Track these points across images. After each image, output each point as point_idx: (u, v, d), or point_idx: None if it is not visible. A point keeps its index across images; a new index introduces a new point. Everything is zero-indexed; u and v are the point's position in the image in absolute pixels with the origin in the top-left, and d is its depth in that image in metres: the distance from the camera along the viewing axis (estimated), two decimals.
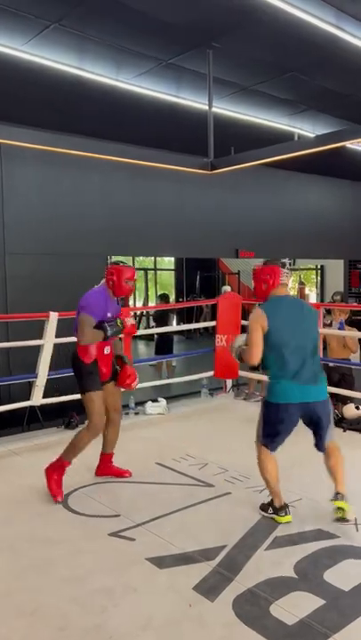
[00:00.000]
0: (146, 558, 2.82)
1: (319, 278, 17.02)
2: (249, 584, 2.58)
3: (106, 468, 3.95)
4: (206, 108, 5.64)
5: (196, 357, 7.32)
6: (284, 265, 3.27)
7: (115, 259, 4.78)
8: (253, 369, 3.69)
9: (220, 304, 6.40)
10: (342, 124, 7.50)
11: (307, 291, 17.61)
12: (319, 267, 16.83)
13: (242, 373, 6.39)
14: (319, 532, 3.07)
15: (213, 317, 6.85)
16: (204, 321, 13.41)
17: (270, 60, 5.53)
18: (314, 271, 17.47)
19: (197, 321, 14.37)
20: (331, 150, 5.07)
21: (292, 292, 18.76)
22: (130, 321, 3.83)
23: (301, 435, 3.25)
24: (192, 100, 6.48)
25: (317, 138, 5.27)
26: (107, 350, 3.71)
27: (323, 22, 4.59)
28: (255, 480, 3.76)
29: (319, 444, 3.26)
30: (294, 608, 2.38)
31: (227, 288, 8.60)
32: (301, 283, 17.93)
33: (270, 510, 3.26)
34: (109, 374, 3.76)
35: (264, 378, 6.67)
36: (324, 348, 5.72)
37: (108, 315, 3.60)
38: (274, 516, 3.22)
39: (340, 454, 3.26)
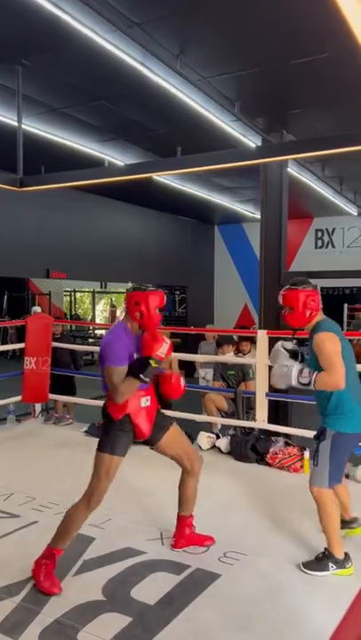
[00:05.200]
0: None
1: None
2: (56, 614, 2.49)
3: (188, 536, 3.13)
4: (15, 123, 5.49)
5: (1, 382, 6.93)
6: (315, 287, 2.99)
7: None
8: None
9: (28, 325, 6.18)
10: (149, 156, 7.94)
11: (118, 313, 18.02)
12: None
13: (51, 397, 6.24)
14: (127, 551, 3.10)
15: (20, 339, 6.59)
16: (11, 343, 12.81)
17: (80, 85, 5.63)
18: (124, 294, 17.96)
19: (4, 343, 13.66)
20: (139, 180, 5.33)
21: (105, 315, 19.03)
22: (163, 350, 2.72)
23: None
24: (1, 115, 6.26)
25: (126, 167, 5.50)
26: (145, 402, 2.88)
27: (130, 58, 4.84)
28: (64, 506, 3.67)
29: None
30: (102, 631, 2.36)
31: (37, 309, 8.35)
32: (113, 305, 18.31)
33: (332, 565, 2.79)
34: (151, 429, 2.93)
35: (72, 400, 6.65)
36: None
37: (135, 355, 2.75)
38: (339, 570, 2.80)
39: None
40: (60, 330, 7.01)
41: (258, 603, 2.61)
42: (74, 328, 15.42)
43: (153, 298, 2.82)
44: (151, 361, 2.65)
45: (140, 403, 2.85)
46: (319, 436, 2.86)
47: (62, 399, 6.64)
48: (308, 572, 2.80)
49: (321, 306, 2.94)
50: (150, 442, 2.99)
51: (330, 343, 2.77)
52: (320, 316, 2.93)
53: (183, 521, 3.11)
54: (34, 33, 4.51)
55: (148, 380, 2.67)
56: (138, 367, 2.66)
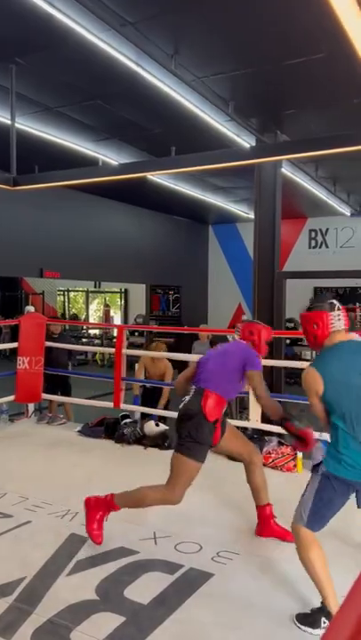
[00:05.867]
0: None
1: (123, 301, 17.54)
2: (49, 614, 2.48)
3: (269, 526, 3.26)
4: (9, 122, 5.48)
5: None
6: (333, 307, 2.56)
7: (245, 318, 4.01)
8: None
9: (22, 325, 6.16)
10: (143, 156, 7.94)
11: (112, 313, 17.99)
12: (123, 290, 17.36)
13: (45, 396, 6.23)
14: (121, 550, 3.10)
15: (14, 339, 6.56)
16: (4, 342, 12.76)
17: (74, 84, 5.62)
18: (118, 294, 17.94)
19: None
20: (133, 180, 5.33)
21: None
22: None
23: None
24: None
25: (120, 166, 5.50)
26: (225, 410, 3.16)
27: (124, 57, 4.83)
28: (58, 506, 3.68)
29: None
30: (95, 630, 2.36)
31: (30, 308, 8.32)
32: (107, 305, 18.27)
33: (324, 621, 2.38)
34: (220, 436, 3.14)
35: (65, 399, 6.66)
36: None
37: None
38: None
39: None
40: (60, 329, 6.98)
41: (251, 602, 2.62)
42: (67, 327, 15.40)
43: (266, 332, 3.26)
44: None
45: (222, 409, 3.08)
46: (316, 467, 2.55)
47: (56, 399, 6.63)
48: (301, 626, 2.42)
49: (333, 330, 2.54)
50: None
51: (304, 383, 2.54)
52: (333, 341, 2.54)
53: (262, 511, 3.26)
54: (28, 31, 4.50)
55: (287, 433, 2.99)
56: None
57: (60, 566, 2.91)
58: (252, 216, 8.71)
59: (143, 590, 2.69)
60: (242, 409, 5.47)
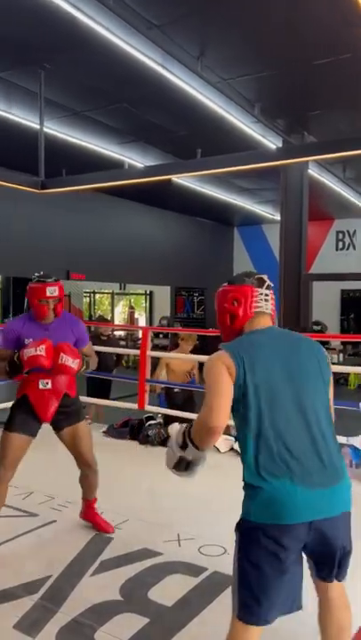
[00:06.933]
0: None
1: (148, 303, 17.60)
2: (74, 613, 2.50)
3: (91, 514, 3.42)
4: (37, 126, 5.56)
5: None
6: (261, 282, 1.95)
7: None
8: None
9: None
10: (169, 158, 7.97)
11: (136, 315, 18.06)
12: (148, 292, 17.42)
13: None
14: (145, 552, 3.10)
15: None
16: None
17: (101, 88, 5.68)
18: (143, 296, 18.01)
19: None
20: (159, 182, 5.34)
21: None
22: (30, 352, 2.87)
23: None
24: (23, 118, 6.35)
25: (146, 168, 5.52)
26: (44, 385, 3.06)
27: (150, 60, 4.86)
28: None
29: (327, 578, 1.85)
30: (119, 631, 2.37)
31: None
32: (131, 307, 18.37)
33: None
34: (53, 414, 3.14)
35: (97, 401, 6.70)
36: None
37: (26, 341, 2.96)
38: None
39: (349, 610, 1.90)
40: (109, 332, 6.93)
41: None
42: (92, 329, 15.50)
43: (36, 289, 3.02)
44: (15, 359, 2.92)
45: (37, 384, 3.05)
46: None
47: (89, 401, 6.68)
48: None
49: (257, 310, 1.90)
50: (55, 427, 3.23)
51: (209, 369, 1.81)
52: (254, 327, 1.90)
53: (87, 504, 3.41)
54: (56, 36, 4.56)
55: (9, 373, 2.97)
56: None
57: (84, 566, 2.93)
58: (278, 217, 8.66)
59: (167, 592, 2.69)
60: None
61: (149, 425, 5.36)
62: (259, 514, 1.72)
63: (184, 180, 9.15)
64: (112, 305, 19.38)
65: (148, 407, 5.72)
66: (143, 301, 18.17)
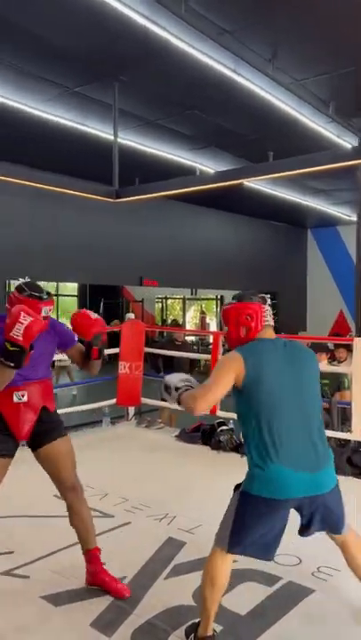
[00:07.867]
0: (40, 596, 2.67)
1: (219, 308, 17.58)
2: (147, 616, 2.53)
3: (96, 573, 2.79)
4: (112, 137, 5.72)
5: (97, 385, 7.21)
6: (264, 300, 2.41)
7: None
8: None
9: (123, 331, 6.38)
10: (240, 163, 7.94)
11: (207, 320, 18.10)
12: (219, 297, 17.41)
13: (145, 401, 6.38)
14: None
15: (110, 344, 6.78)
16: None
17: (173, 96, 5.76)
18: (214, 301, 18.02)
19: None
20: (230, 187, 5.33)
21: (195, 322, 19.22)
22: (18, 329, 2.22)
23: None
24: (98, 130, 6.56)
25: (217, 174, 5.53)
26: (19, 398, 2.55)
27: (221, 65, 4.87)
28: (156, 509, 3.75)
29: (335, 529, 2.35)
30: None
31: (130, 315, 8.62)
32: (203, 312, 18.42)
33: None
34: (30, 432, 2.61)
35: (163, 404, 6.76)
36: None
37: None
38: None
39: None
40: (183, 337, 7.02)
41: (353, 622, 2.49)
42: (166, 334, 15.72)
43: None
44: (7, 344, 2.22)
45: (12, 398, 2.53)
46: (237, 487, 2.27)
47: (154, 404, 6.77)
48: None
49: (266, 324, 2.33)
50: (32, 446, 2.68)
51: (222, 360, 2.27)
52: (261, 337, 2.31)
53: (90, 556, 2.80)
54: (130, 49, 4.69)
55: (11, 363, 2.24)
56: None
57: (158, 569, 2.95)
58: (354, 218, 8.38)
59: (240, 600, 2.66)
60: (343, 420, 5.25)
61: (221, 430, 5.34)
62: (258, 489, 2.15)
63: (256, 183, 9.07)
64: (183, 310, 19.54)
65: (219, 412, 5.71)
66: (214, 306, 18.18)
